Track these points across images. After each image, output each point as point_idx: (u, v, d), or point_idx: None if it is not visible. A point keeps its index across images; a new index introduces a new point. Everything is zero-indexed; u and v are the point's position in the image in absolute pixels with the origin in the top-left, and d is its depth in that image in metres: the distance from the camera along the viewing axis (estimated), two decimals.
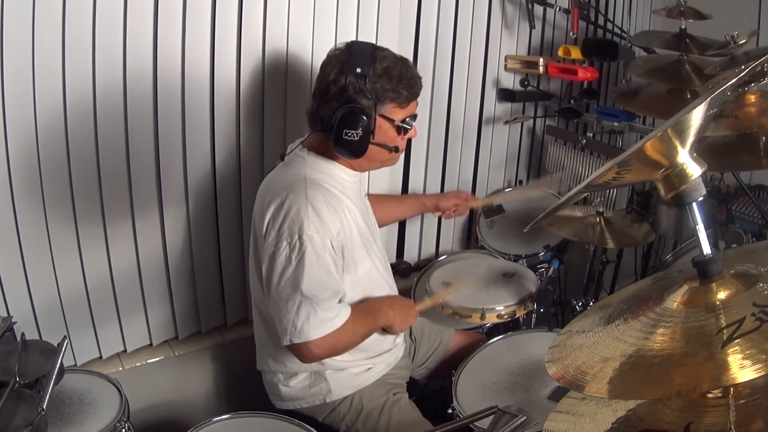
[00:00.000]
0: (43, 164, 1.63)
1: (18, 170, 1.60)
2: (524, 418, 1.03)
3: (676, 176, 0.85)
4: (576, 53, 2.38)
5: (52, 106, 1.59)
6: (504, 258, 2.28)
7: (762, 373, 0.70)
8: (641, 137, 2.25)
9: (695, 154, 0.85)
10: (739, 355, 0.73)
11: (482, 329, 2.05)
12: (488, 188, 2.65)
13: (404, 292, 1.90)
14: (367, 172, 1.98)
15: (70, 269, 1.76)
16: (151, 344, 2.01)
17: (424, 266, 2.30)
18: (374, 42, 1.84)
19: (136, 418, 1.72)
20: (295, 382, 1.63)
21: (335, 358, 1.56)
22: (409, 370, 1.83)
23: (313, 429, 1.46)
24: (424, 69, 2.17)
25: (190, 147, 1.82)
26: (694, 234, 0.86)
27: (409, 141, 1.99)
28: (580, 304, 1.99)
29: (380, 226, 1.83)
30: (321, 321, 1.42)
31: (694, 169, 0.85)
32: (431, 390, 2.00)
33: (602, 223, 1.96)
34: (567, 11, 2.46)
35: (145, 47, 1.66)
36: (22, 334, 1.43)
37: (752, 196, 2.15)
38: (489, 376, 1.63)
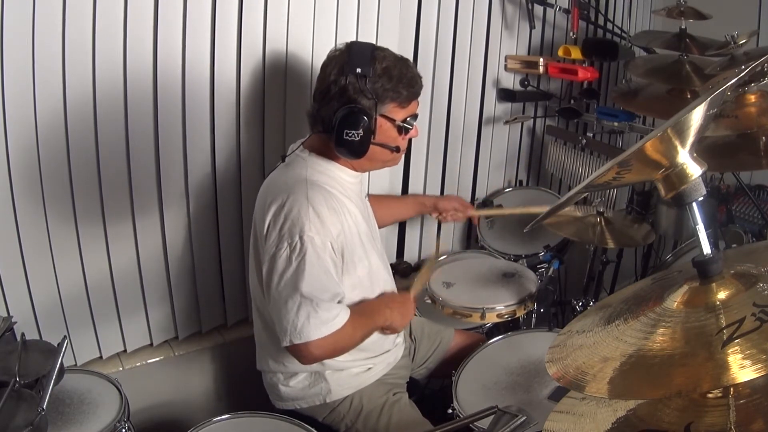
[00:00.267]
0: (43, 164, 1.63)
1: (18, 170, 1.60)
2: (524, 418, 1.03)
3: (676, 176, 0.85)
4: (576, 53, 2.38)
5: (52, 106, 1.59)
6: (504, 258, 2.28)
7: (762, 373, 0.70)
8: (641, 137, 2.26)
9: (695, 154, 0.85)
10: (739, 355, 0.73)
11: (482, 329, 2.06)
12: (488, 188, 2.65)
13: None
14: (367, 173, 1.98)
15: (70, 269, 1.76)
16: (151, 344, 2.01)
17: None
18: (374, 42, 1.84)
19: (136, 418, 1.72)
20: (295, 382, 1.63)
21: (335, 358, 1.55)
22: (409, 370, 1.83)
23: (313, 429, 1.46)
24: (424, 69, 2.17)
25: (190, 147, 1.82)
26: (694, 234, 0.86)
27: (409, 141, 1.99)
28: (580, 304, 1.99)
29: (380, 227, 1.83)
30: (321, 322, 1.42)
31: (694, 169, 0.85)
32: (431, 390, 2.00)
33: (602, 223, 1.96)
34: (567, 11, 2.46)
35: (146, 47, 1.66)
36: (22, 334, 1.43)
37: (752, 196, 2.15)
38: (489, 376, 1.63)
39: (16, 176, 1.60)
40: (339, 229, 1.48)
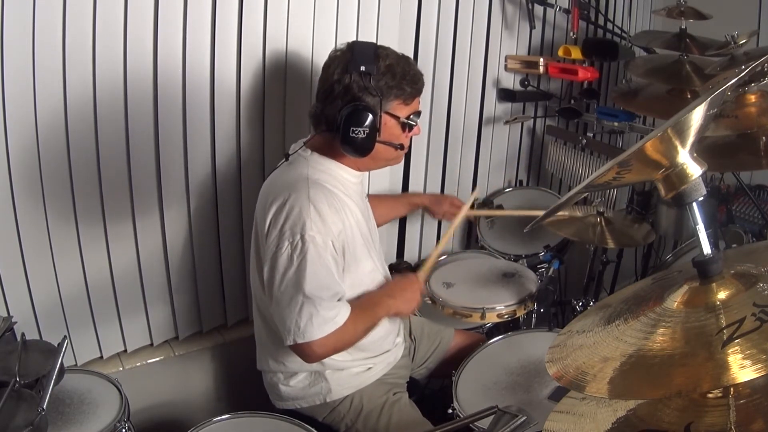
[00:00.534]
0: (44, 164, 1.63)
1: (18, 170, 1.60)
2: (524, 418, 1.03)
3: (676, 176, 0.85)
4: (576, 53, 2.38)
5: (52, 106, 1.59)
6: (504, 258, 2.28)
7: (762, 373, 0.70)
8: (641, 137, 2.26)
9: (695, 154, 0.85)
10: (739, 355, 0.73)
11: (482, 329, 2.06)
12: (488, 188, 2.65)
13: None
14: (367, 173, 1.98)
15: (70, 269, 1.76)
16: (151, 344, 2.01)
17: None
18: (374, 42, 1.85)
19: (137, 418, 1.72)
20: (295, 382, 1.63)
21: (335, 358, 1.55)
22: (409, 369, 1.83)
23: (313, 429, 1.46)
24: (424, 69, 2.12)
25: (190, 147, 1.82)
26: (694, 234, 0.86)
27: (410, 141, 1.99)
28: (580, 304, 1.99)
29: (377, 226, 1.82)
30: (323, 321, 1.42)
31: (694, 169, 0.85)
32: (431, 390, 2.00)
33: (602, 223, 1.96)
34: (567, 11, 2.46)
35: (146, 47, 1.66)
36: (22, 334, 1.43)
37: (752, 196, 2.15)
38: (489, 376, 1.63)
39: (17, 176, 1.60)
40: (340, 228, 1.48)
